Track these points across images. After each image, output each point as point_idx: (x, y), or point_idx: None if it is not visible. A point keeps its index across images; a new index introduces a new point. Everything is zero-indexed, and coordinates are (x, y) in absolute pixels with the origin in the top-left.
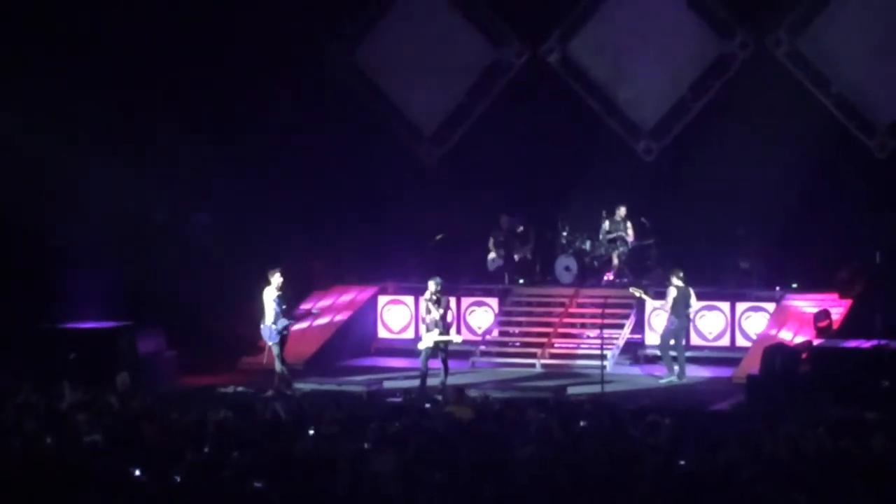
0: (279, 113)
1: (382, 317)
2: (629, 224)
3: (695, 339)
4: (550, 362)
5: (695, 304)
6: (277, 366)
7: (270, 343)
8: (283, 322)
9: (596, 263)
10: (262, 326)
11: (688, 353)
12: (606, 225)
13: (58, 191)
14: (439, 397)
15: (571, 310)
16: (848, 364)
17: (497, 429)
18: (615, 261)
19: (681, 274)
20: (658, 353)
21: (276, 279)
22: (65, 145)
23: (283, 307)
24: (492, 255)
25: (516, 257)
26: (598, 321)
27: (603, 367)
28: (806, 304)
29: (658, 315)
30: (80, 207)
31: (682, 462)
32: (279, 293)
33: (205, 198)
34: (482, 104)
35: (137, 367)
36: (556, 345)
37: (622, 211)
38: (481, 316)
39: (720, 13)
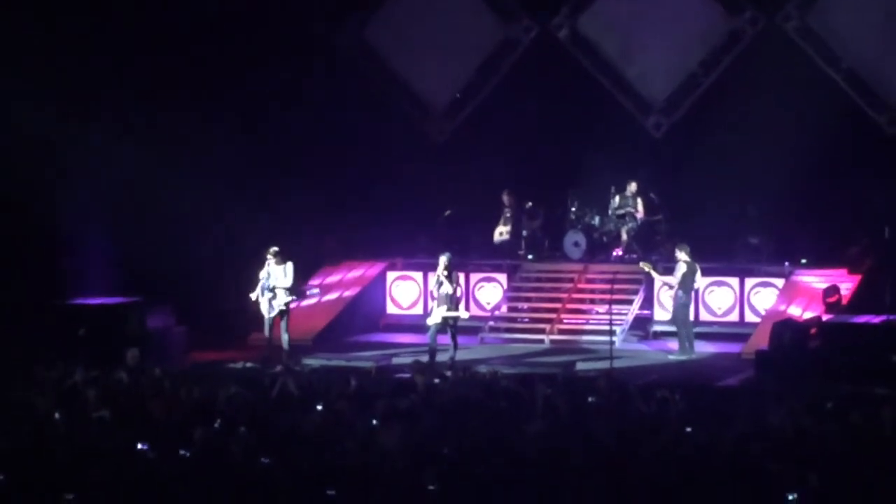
0: (290, 91)
1: (391, 292)
2: (639, 200)
3: (704, 315)
4: (559, 338)
5: (699, 279)
6: (284, 339)
7: (268, 316)
8: (283, 297)
9: (605, 239)
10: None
11: (697, 329)
12: (616, 200)
13: (67, 167)
14: (448, 373)
15: (580, 285)
16: (857, 339)
17: (505, 405)
18: (624, 236)
19: (687, 248)
20: (674, 329)
21: (269, 259)
22: (73, 123)
23: (274, 282)
24: (499, 229)
25: (524, 233)
26: (607, 297)
27: (612, 343)
28: (815, 280)
29: (666, 290)
30: (90, 184)
31: (692, 438)
32: (270, 270)
33: (214, 174)
34: (492, 80)
35: (147, 342)
36: (564, 320)
37: (633, 187)
38: (490, 291)
39: None
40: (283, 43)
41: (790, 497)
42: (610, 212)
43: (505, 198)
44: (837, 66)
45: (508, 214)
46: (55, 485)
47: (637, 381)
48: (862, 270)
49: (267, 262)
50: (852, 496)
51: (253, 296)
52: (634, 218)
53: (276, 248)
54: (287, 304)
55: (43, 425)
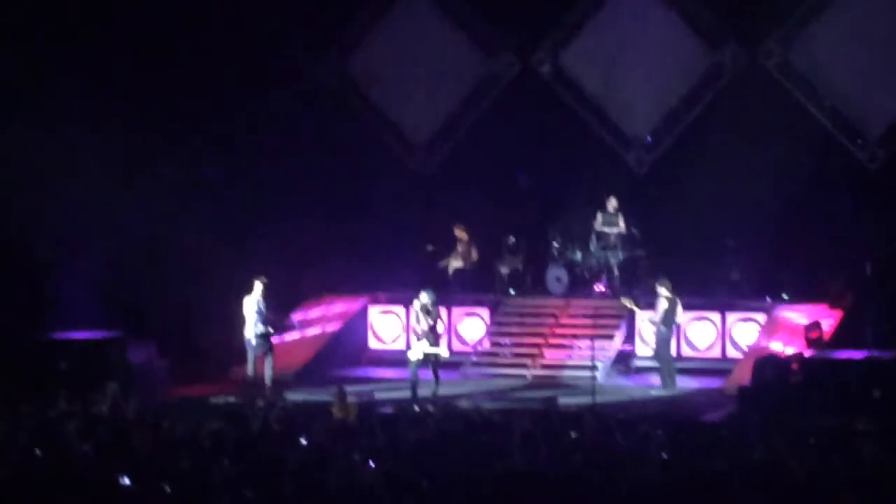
0: (272, 123)
1: (373, 327)
2: (620, 215)
3: (685, 350)
4: (541, 373)
5: (680, 315)
6: (268, 374)
7: (255, 354)
8: (260, 329)
9: (587, 274)
10: (245, 336)
11: (679, 364)
12: (599, 219)
13: (48, 200)
14: (430, 408)
15: (562, 320)
16: (839, 375)
17: (486, 439)
18: (611, 268)
19: (669, 283)
20: (656, 364)
21: (258, 287)
22: (55, 153)
23: (263, 315)
24: (454, 263)
25: (504, 270)
26: (589, 332)
27: (594, 378)
28: (797, 315)
29: (648, 326)
30: (71, 217)
31: (673, 473)
32: (259, 301)
33: (195, 208)
34: (474, 114)
35: (128, 377)
36: (547, 355)
37: (613, 202)
38: (472, 326)
39: (711, 24)
40: (263, 76)
41: None
42: (593, 235)
43: (457, 231)
44: (818, 102)
45: (460, 249)
46: None
47: (619, 415)
48: (843, 306)
49: (255, 293)
50: None
51: (249, 331)
52: (616, 250)
53: (265, 279)
54: (270, 339)
55: (23, 459)
